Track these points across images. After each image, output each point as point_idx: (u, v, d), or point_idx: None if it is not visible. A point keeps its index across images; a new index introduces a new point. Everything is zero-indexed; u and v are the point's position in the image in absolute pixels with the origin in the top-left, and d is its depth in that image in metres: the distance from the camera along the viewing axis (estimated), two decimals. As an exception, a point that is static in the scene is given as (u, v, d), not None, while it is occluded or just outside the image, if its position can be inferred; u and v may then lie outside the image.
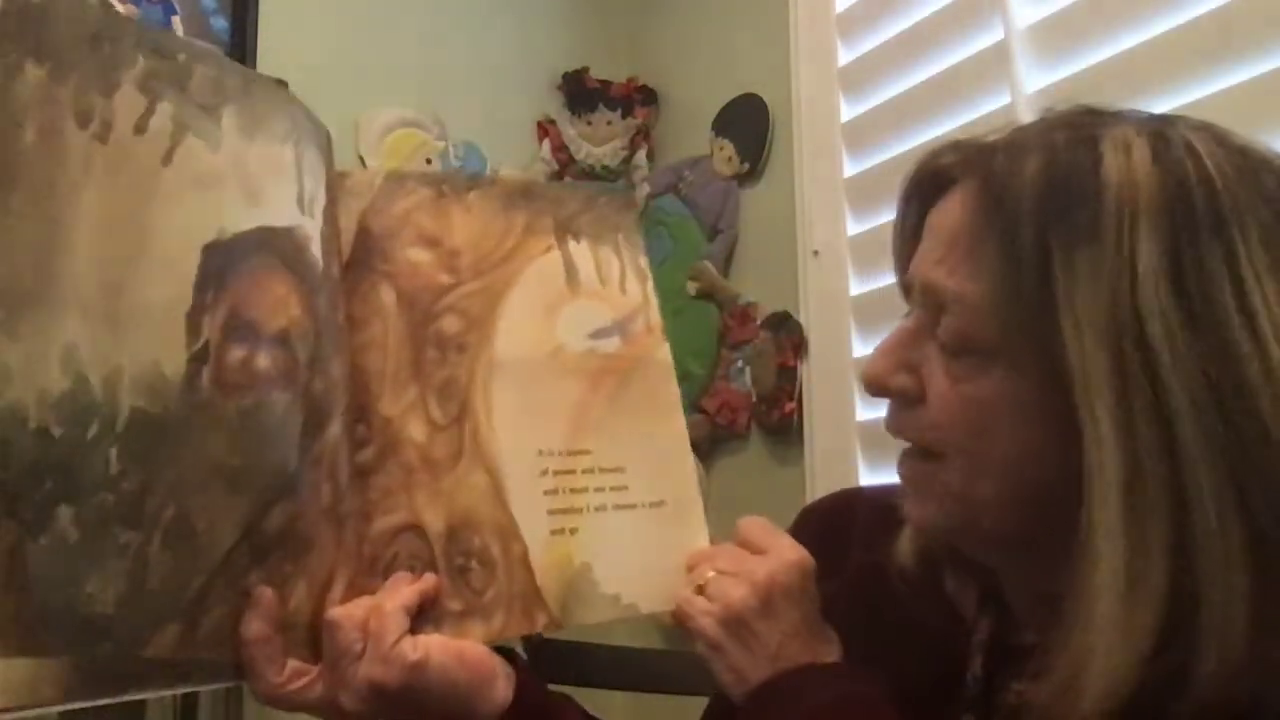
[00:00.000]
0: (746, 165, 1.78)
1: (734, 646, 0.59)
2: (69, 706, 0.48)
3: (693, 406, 1.75)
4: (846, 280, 1.56)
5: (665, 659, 1.51)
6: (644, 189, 1.96)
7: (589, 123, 2.04)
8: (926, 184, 0.59)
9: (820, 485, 1.53)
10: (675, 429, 0.71)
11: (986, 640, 0.60)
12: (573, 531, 0.66)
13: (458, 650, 0.61)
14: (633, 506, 0.68)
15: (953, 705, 0.59)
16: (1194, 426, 0.48)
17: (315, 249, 0.61)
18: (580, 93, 2.05)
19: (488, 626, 0.63)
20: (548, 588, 0.65)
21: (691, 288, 1.81)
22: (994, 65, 1.32)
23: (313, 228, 0.61)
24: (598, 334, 0.71)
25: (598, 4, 2.13)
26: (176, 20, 1.64)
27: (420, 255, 0.67)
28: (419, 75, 1.90)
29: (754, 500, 1.66)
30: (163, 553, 0.51)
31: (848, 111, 1.59)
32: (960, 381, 0.54)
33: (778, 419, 1.63)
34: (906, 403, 0.57)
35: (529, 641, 1.29)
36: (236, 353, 0.55)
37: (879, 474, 1.47)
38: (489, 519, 0.64)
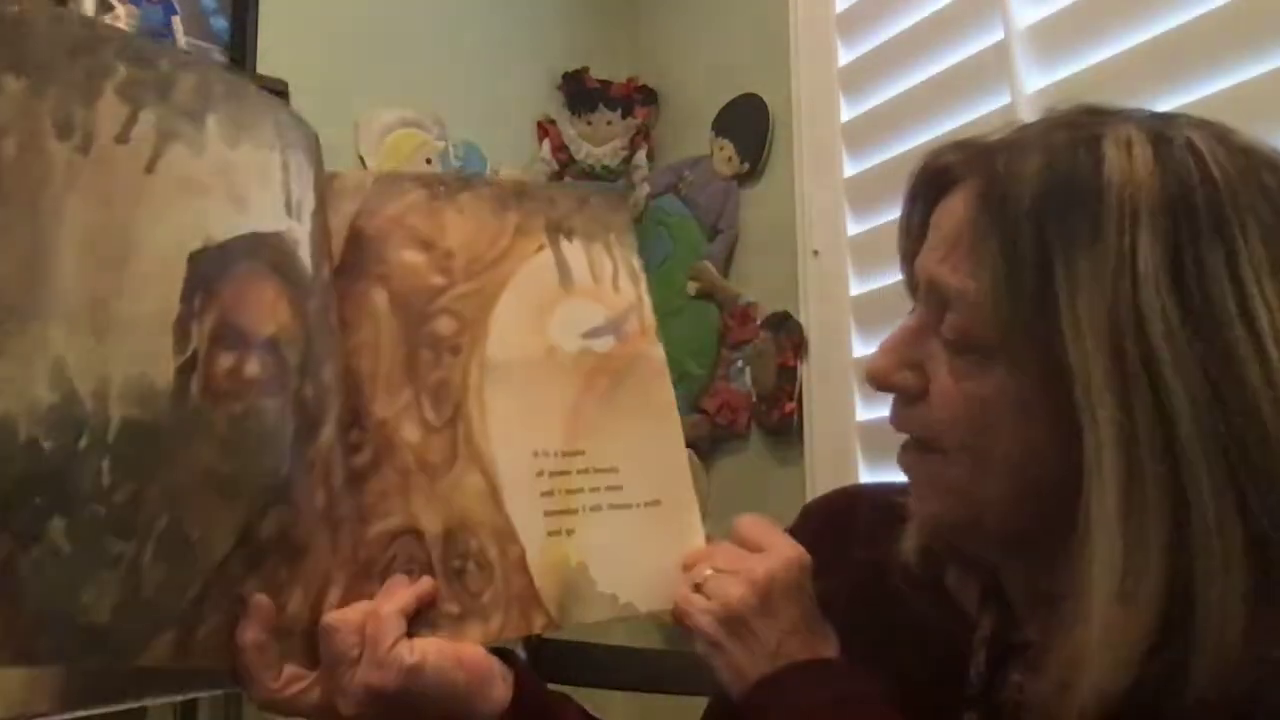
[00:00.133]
0: (746, 165, 1.78)
1: (733, 644, 0.59)
2: (67, 716, 0.49)
3: (693, 406, 1.75)
4: (846, 280, 1.56)
5: (665, 659, 1.52)
6: (644, 189, 1.96)
7: (589, 123, 2.04)
8: (931, 183, 0.60)
9: (820, 485, 1.53)
10: (670, 428, 0.71)
11: (988, 637, 0.60)
12: (569, 532, 0.66)
13: (455, 653, 0.61)
14: (628, 506, 0.68)
15: (955, 702, 0.59)
16: (1193, 426, 0.48)
17: (304, 253, 0.60)
18: (580, 93, 2.05)
19: (485, 628, 0.63)
20: (545, 589, 0.64)
21: (691, 288, 1.81)
22: (994, 65, 1.32)
23: (301, 232, 0.61)
24: (591, 334, 0.71)
25: (598, 4, 2.13)
26: (176, 20, 1.64)
27: (413, 257, 0.67)
28: (419, 75, 1.90)
29: (754, 500, 1.67)
30: (156, 562, 0.51)
31: (848, 111, 1.59)
32: (963, 379, 0.55)
33: (778, 419, 1.63)
34: (909, 399, 0.58)
35: (528, 642, 1.29)
36: (225, 360, 0.54)
37: (879, 474, 1.47)
38: (485, 521, 0.64)
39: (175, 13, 1.64)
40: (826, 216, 1.60)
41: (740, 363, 1.73)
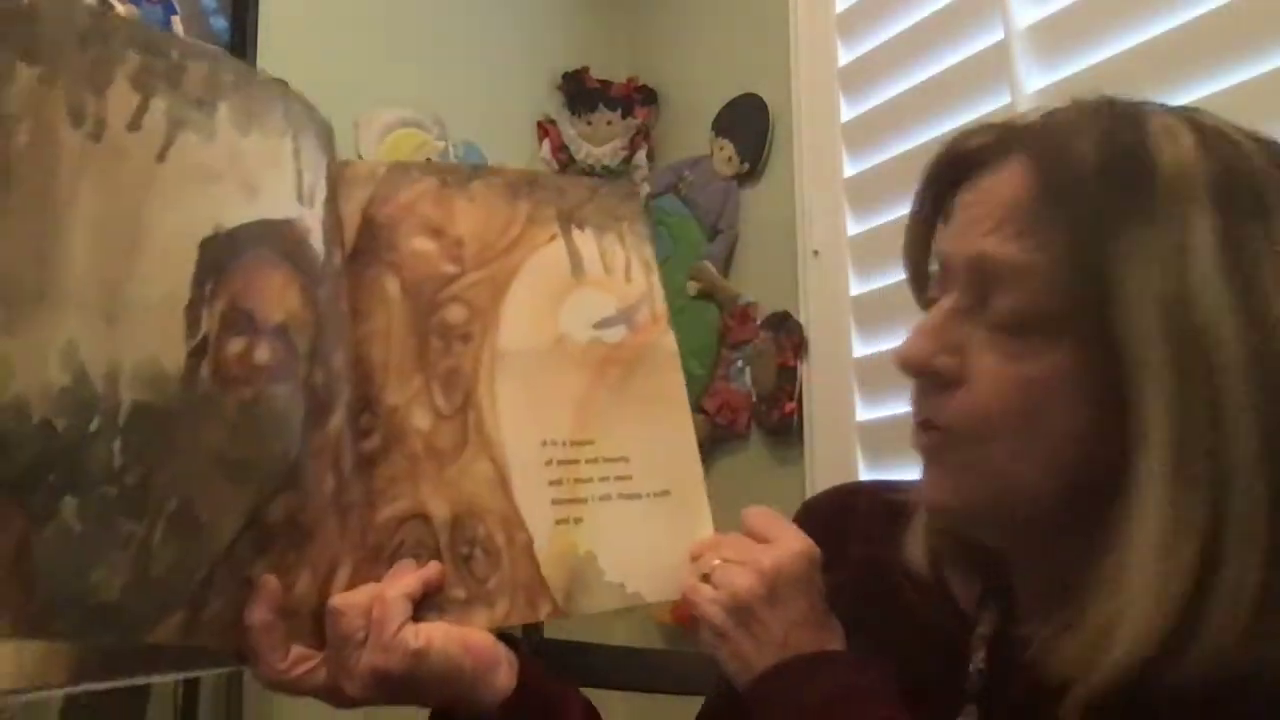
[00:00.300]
0: (746, 165, 1.78)
1: (740, 634, 0.59)
2: (77, 689, 0.50)
3: (693, 406, 1.74)
4: (846, 280, 1.56)
5: (665, 659, 1.52)
6: (644, 189, 1.96)
7: (589, 123, 2.04)
8: (955, 165, 0.59)
9: (820, 485, 1.52)
10: (680, 418, 0.72)
11: (989, 634, 0.61)
12: (577, 521, 0.66)
13: (461, 637, 0.61)
14: (637, 496, 0.68)
15: (955, 699, 0.59)
16: (1240, 404, 0.49)
17: (316, 240, 0.61)
18: (580, 93, 2.05)
19: (491, 614, 0.63)
20: (552, 576, 0.65)
21: (691, 288, 1.81)
22: (994, 65, 1.32)
23: (313, 219, 0.61)
24: (602, 324, 0.71)
25: (598, 4, 2.14)
26: (176, 20, 1.64)
27: (424, 245, 0.67)
28: (419, 75, 1.90)
29: (754, 500, 1.65)
30: (166, 543, 0.52)
31: (848, 111, 1.59)
32: (1014, 361, 0.53)
33: (778, 419, 1.63)
34: (944, 385, 0.56)
35: (529, 641, 1.29)
36: (235, 346, 0.55)
37: (879, 473, 1.47)
38: (493, 508, 0.64)
39: (175, 12, 1.64)
40: (826, 216, 1.60)
41: (740, 363, 1.73)
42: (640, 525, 0.68)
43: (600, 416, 0.69)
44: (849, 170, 1.58)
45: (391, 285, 0.66)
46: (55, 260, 0.49)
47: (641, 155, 2.02)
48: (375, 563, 0.62)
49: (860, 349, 1.53)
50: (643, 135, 2.03)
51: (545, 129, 2.03)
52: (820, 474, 1.56)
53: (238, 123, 0.57)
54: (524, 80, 2.03)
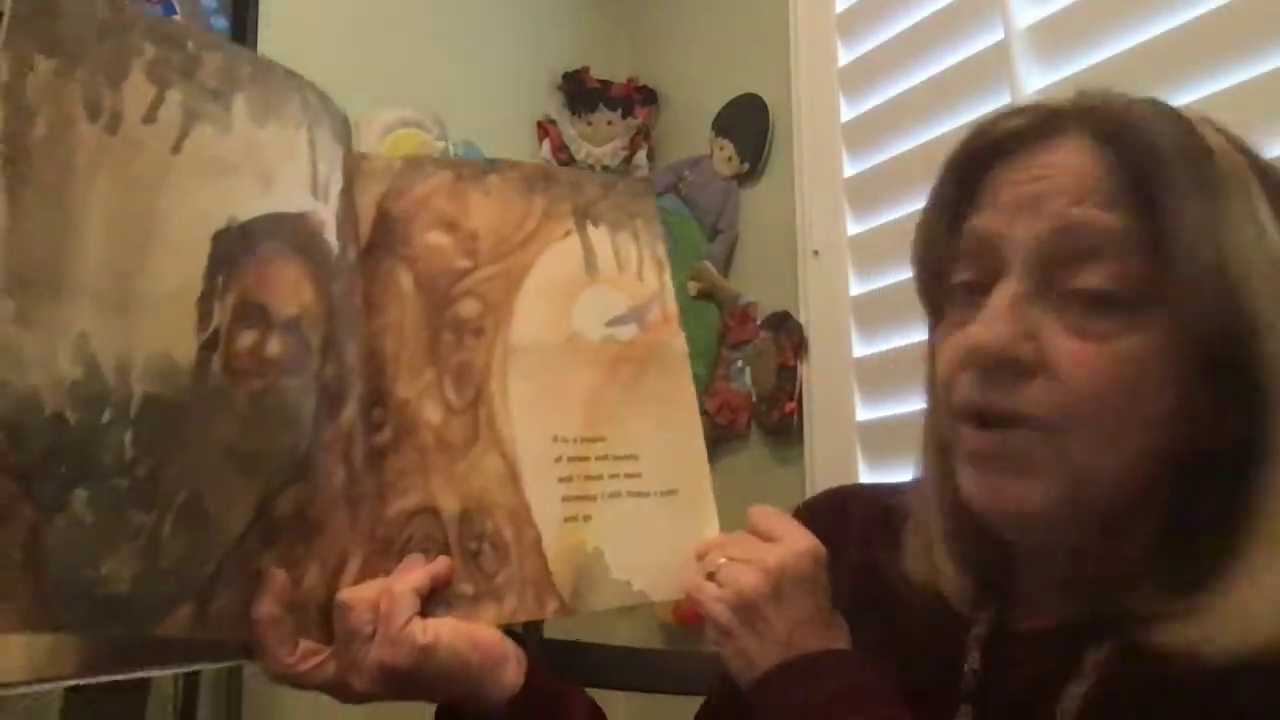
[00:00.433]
0: (746, 165, 1.78)
1: (745, 633, 0.59)
2: (87, 680, 0.50)
3: (693, 406, 1.75)
4: (846, 280, 1.56)
5: (666, 659, 1.51)
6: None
7: (589, 123, 2.04)
8: (988, 150, 0.58)
9: (820, 485, 1.53)
10: (689, 418, 0.71)
11: (984, 634, 0.61)
12: (586, 518, 0.66)
13: (468, 633, 0.61)
14: (646, 494, 0.68)
15: (950, 699, 0.59)
16: None
17: (329, 234, 0.61)
18: (580, 93, 2.05)
19: (499, 609, 0.63)
20: (559, 573, 0.65)
21: (691, 288, 1.81)
22: (994, 65, 1.32)
23: (327, 212, 0.61)
24: (614, 322, 0.71)
25: (598, 4, 2.14)
26: (176, 20, 1.64)
27: (439, 239, 0.67)
28: (419, 75, 1.90)
29: (754, 500, 1.66)
30: (175, 535, 0.52)
31: (848, 111, 1.59)
32: (1102, 340, 0.52)
33: (778, 419, 1.64)
34: (1021, 373, 0.53)
35: (530, 640, 1.29)
36: (247, 339, 0.55)
37: (879, 474, 1.47)
38: (503, 503, 0.64)
39: (175, 12, 1.64)
40: (826, 216, 1.60)
41: (740, 363, 1.73)
42: (647, 523, 0.68)
43: (611, 414, 0.69)
44: (849, 170, 1.58)
45: (405, 279, 0.66)
46: (69, 253, 0.49)
47: (641, 155, 2.02)
48: (384, 556, 0.62)
49: (860, 349, 1.53)
50: (643, 135, 2.03)
51: (545, 129, 2.03)
52: (820, 474, 1.56)
53: (254, 114, 0.57)
54: (524, 80, 2.03)
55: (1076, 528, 0.55)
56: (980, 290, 0.56)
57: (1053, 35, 1.27)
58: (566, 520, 0.66)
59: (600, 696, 0.73)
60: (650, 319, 0.72)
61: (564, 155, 2.03)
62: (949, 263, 0.59)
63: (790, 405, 1.62)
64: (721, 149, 1.83)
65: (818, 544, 0.62)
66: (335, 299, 0.60)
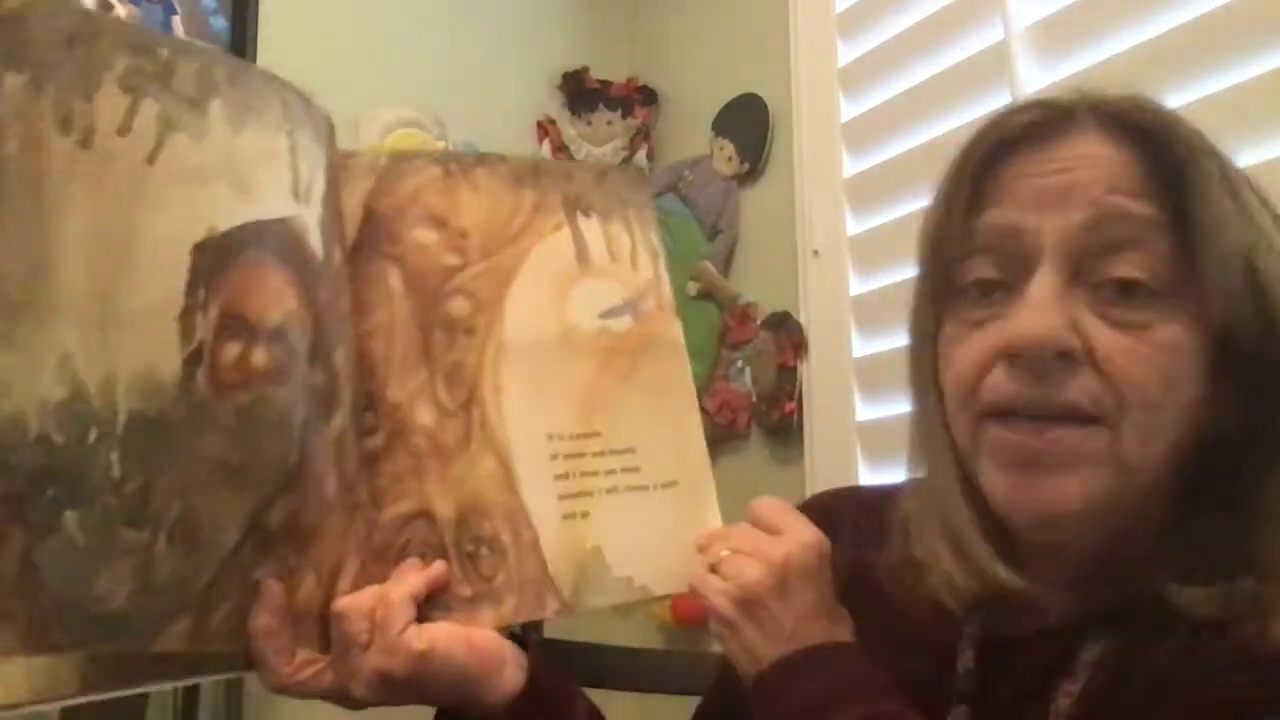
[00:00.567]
0: (746, 165, 1.78)
1: (748, 626, 0.59)
2: (87, 699, 0.50)
3: (693, 406, 1.74)
4: (846, 280, 1.56)
5: (666, 659, 1.51)
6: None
7: (589, 123, 2.04)
8: (1003, 144, 0.57)
9: (820, 485, 1.53)
10: (687, 407, 0.70)
11: (977, 634, 0.60)
12: (584, 515, 0.65)
13: (466, 637, 0.61)
14: (645, 488, 0.67)
15: (944, 699, 0.59)
16: None
17: (313, 239, 0.60)
18: (580, 93, 2.05)
19: (498, 612, 0.63)
20: (559, 572, 0.64)
21: (691, 288, 1.81)
22: (994, 65, 1.32)
23: (310, 216, 0.60)
24: (609, 313, 0.70)
25: (598, 4, 2.14)
26: (176, 20, 1.64)
27: (427, 236, 0.66)
28: (419, 75, 1.89)
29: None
30: (169, 551, 0.52)
31: (848, 111, 1.59)
32: (1141, 330, 0.52)
33: (778, 419, 1.63)
34: (1069, 366, 0.52)
35: (529, 641, 1.29)
36: (231, 351, 0.54)
37: (879, 474, 1.47)
38: (499, 504, 0.64)
39: (175, 12, 1.64)
40: (826, 216, 1.60)
41: (740, 363, 1.73)
42: (648, 517, 0.67)
43: (607, 408, 0.68)
44: (849, 170, 1.58)
45: (394, 279, 0.65)
46: (47, 272, 0.48)
47: (641, 155, 2.01)
48: (381, 562, 0.61)
49: (860, 349, 1.53)
50: (643, 135, 2.03)
51: (545, 129, 2.03)
52: (820, 474, 1.56)
53: (231, 120, 0.56)
54: (524, 80, 2.03)
55: (1107, 522, 0.55)
56: (997, 287, 0.56)
57: (1053, 35, 1.27)
58: (564, 518, 0.65)
59: (600, 696, 0.73)
60: (645, 309, 0.71)
61: (564, 155, 2.02)
62: (960, 260, 0.58)
63: (790, 405, 1.62)
64: (721, 149, 1.83)
65: (821, 536, 0.61)
66: (321, 304, 0.60)
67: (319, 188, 0.61)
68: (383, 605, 0.59)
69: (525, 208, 0.69)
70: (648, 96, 2.04)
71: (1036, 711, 0.55)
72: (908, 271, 0.64)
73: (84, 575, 0.48)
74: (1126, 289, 0.53)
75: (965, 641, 0.60)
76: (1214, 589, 0.51)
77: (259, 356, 0.55)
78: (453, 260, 0.66)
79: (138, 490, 0.50)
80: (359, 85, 1.80)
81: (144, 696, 1.23)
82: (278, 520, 0.56)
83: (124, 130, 0.51)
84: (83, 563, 0.48)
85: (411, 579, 0.61)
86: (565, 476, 0.66)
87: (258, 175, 0.57)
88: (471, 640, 0.61)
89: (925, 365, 0.62)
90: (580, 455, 0.66)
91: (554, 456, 0.66)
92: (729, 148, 1.81)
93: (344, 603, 0.59)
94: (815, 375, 1.60)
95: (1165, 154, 0.53)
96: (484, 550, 0.63)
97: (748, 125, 1.78)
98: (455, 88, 1.92)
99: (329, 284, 0.61)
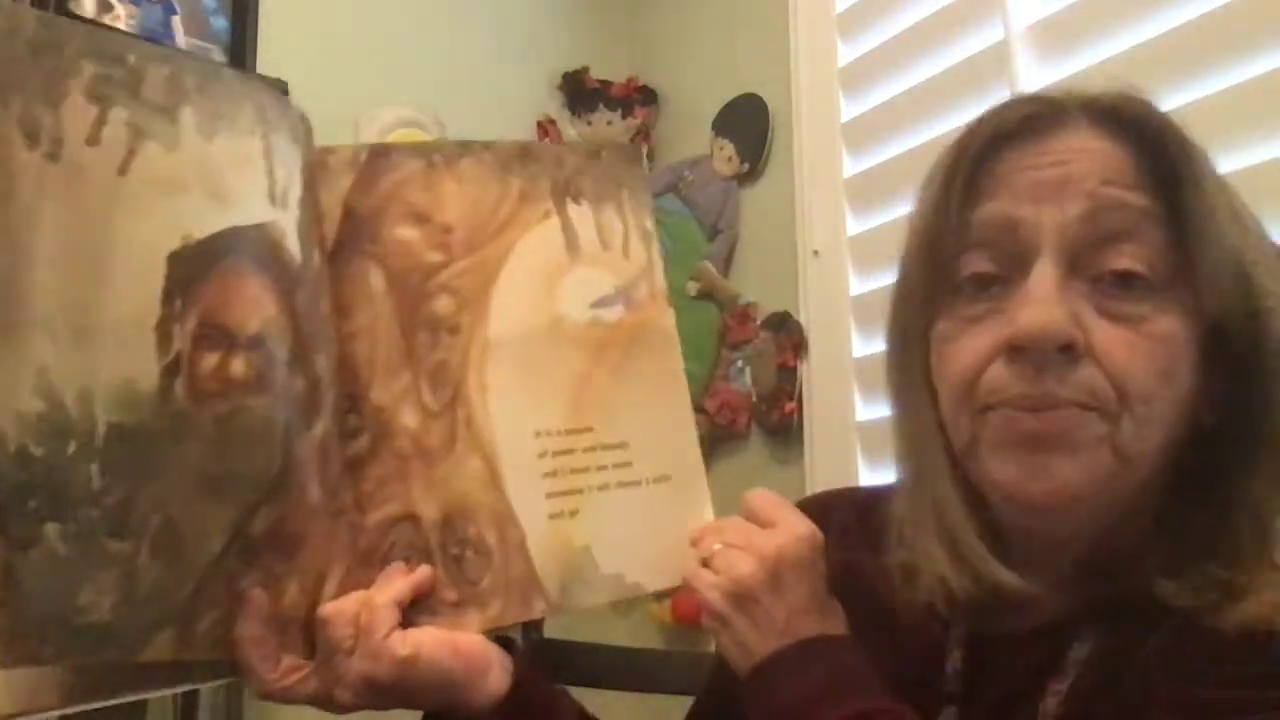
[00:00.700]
0: (746, 165, 1.78)
1: (741, 620, 0.58)
2: (71, 710, 0.49)
3: (693, 406, 1.74)
4: (846, 280, 1.56)
5: (665, 659, 1.51)
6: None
7: (589, 123, 2.04)
8: (997, 139, 0.57)
9: (820, 485, 1.53)
10: (679, 400, 0.69)
11: (965, 635, 0.60)
12: (573, 514, 0.64)
13: (451, 642, 0.61)
14: (637, 484, 0.66)
15: (934, 699, 0.59)
16: None
17: (291, 243, 0.59)
18: (580, 93, 2.05)
19: (484, 615, 0.62)
20: (547, 572, 0.63)
21: (691, 288, 1.81)
22: (994, 65, 1.31)
23: (287, 221, 0.59)
24: (600, 303, 0.68)
25: (598, 4, 2.13)
26: (176, 20, 1.64)
27: (408, 233, 0.64)
28: (419, 75, 1.89)
29: (754, 500, 1.66)
30: (152, 561, 0.51)
31: (848, 111, 1.59)
32: (1139, 323, 0.53)
33: (778, 419, 1.63)
34: (1072, 359, 0.52)
35: (528, 640, 1.29)
36: (210, 361, 0.54)
37: (879, 474, 1.46)
38: (485, 506, 0.63)
39: (175, 13, 1.64)
40: (826, 216, 1.60)
41: (740, 363, 1.73)
42: (640, 513, 0.66)
43: (598, 402, 0.66)
44: (849, 170, 1.58)
45: (376, 279, 0.63)
46: (22, 286, 0.48)
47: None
48: (367, 567, 0.61)
49: (860, 349, 1.53)
50: (643, 135, 2.02)
51: (545, 129, 2.03)
52: (820, 474, 1.55)
53: (202, 127, 0.55)
54: (524, 80, 2.03)
55: (1103, 516, 0.55)
56: (994, 282, 0.56)
57: (1052, 35, 1.26)
58: (552, 518, 0.64)
59: (600, 696, 0.73)
60: (637, 297, 0.69)
61: (564, 155, 2.02)
62: (956, 256, 0.58)
63: (790, 405, 1.61)
64: (721, 149, 1.82)
65: (815, 529, 0.61)
66: (300, 309, 0.59)
67: (296, 191, 0.60)
68: (367, 611, 0.59)
69: (512, 197, 0.67)
70: (648, 96, 2.04)
71: (1025, 711, 0.55)
72: (907, 271, 0.64)
73: (66, 587, 0.48)
74: (1124, 281, 0.53)
75: (953, 643, 0.60)
76: (1185, 579, 0.51)
77: (238, 365, 0.55)
78: (436, 257, 0.64)
79: (119, 501, 0.50)
80: (359, 85, 1.80)
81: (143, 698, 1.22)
82: (261, 528, 0.56)
83: (93, 140, 0.50)
84: (65, 575, 0.48)
85: (396, 584, 0.60)
86: (553, 474, 0.64)
87: (232, 181, 0.56)
88: (456, 645, 0.61)
89: (914, 366, 0.61)
90: (570, 452, 0.65)
91: (542, 454, 0.64)
92: (729, 148, 1.81)
93: (328, 609, 0.59)
94: (815, 375, 1.60)
95: (1157, 147, 0.54)
96: (469, 553, 0.62)
97: (748, 125, 1.78)
98: (455, 88, 1.92)
99: (308, 288, 0.60)
